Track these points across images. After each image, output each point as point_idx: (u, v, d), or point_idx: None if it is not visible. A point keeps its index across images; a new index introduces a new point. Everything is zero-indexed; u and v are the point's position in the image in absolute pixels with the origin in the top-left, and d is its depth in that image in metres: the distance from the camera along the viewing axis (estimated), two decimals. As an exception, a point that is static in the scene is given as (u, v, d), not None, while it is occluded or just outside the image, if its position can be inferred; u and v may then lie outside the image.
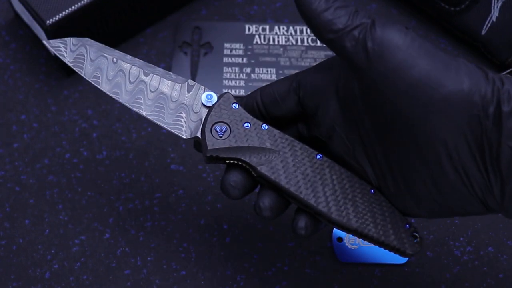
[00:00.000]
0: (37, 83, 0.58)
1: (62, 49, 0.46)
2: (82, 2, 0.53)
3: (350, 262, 0.51)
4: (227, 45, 0.60)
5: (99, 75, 0.45)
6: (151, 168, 0.54)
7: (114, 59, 0.45)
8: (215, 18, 0.61)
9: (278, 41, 0.60)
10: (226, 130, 0.43)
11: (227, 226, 0.52)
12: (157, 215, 0.52)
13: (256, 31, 0.61)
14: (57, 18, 0.53)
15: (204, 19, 0.61)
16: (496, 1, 0.56)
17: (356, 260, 0.51)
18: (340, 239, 0.51)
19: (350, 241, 0.51)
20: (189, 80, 0.45)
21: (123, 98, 0.45)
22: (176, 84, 0.45)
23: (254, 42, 0.60)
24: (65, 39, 0.46)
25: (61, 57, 0.45)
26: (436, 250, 0.51)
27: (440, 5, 0.58)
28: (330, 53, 0.59)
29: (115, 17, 0.57)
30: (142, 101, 0.44)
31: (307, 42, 0.60)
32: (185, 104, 0.44)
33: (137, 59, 0.46)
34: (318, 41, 0.60)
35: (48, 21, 0.52)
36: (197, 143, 0.45)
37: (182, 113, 0.44)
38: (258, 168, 0.42)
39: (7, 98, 0.57)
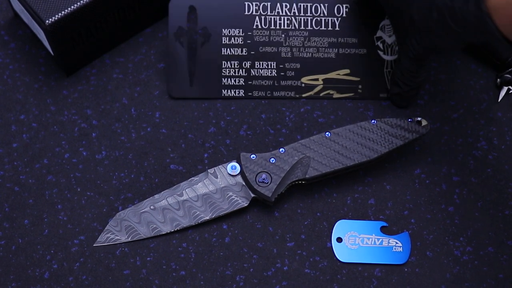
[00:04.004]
0: (36, 83, 0.58)
1: (114, 236, 0.51)
2: (82, 2, 0.53)
3: (350, 262, 0.50)
4: (225, 31, 0.56)
5: (154, 225, 0.51)
6: (151, 168, 0.54)
7: (152, 207, 0.51)
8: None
9: (280, 24, 0.56)
10: (265, 175, 0.51)
11: (227, 226, 0.52)
12: (157, 215, 0.52)
13: (256, 11, 0.56)
14: (56, 18, 0.52)
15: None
16: (496, 1, 0.56)
17: (356, 260, 0.50)
18: (340, 239, 0.51)
19: (350, 241, 0.51)
20: (208, 170, 0.52)
21: (185, 223, 0.51)
22: (204, 181, 0.52)
23: (254, 26, 0.56)
24: (105, 229, 0.51)
25: (118, 242, 0.50)
26: (436, 250, 0.51)
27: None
28: (333, 39, 0.57)
29: (115, 17, 0.56)
30: (198, 212, 0.51)
31: (311, 25, 0.57)
32: (224, 186, 0.51)
33: (162, 192, 0.52)
34: (323, 25, 0.57)
35: (47, 21, 0.52)
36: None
37: (228, 193, 0.51)
38: (308, 176, 0.51)
39: (6, 98, 0.57)
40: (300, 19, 0.56)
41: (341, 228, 0.52)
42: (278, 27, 0.56)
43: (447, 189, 0.53)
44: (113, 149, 0.55)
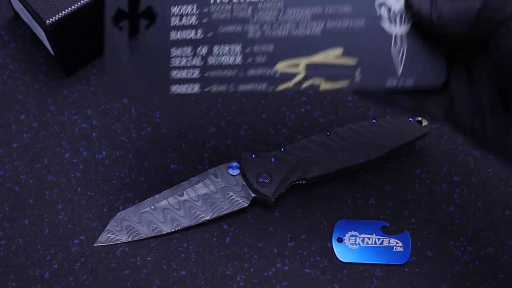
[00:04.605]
0: (37, 83, 0.58)
1: (114, 236, 0.51)
2: (82, 2, 0.53)
3: (350, 262, 0.51)
4: (175, 9, 0.43)
5: (155, 225, 0.51)
6: (151, 168, 0.54)
7: (152, 207, 0.51)
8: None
9: None
10: (265, 175, 0.51)
11: (227, 226, 0.52)
12: (157, 215, 0.52)
13: None
14: (56, 18, 0.52)
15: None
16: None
17: (356, 260, 0.50)
18: (340, 239, 0.51)
19: (351, 241, 0.51)
20: (208, 170, 0.52)
21: (186, 223, 0.51)
22: (205, 180, 0.52)
23: (212, 0, 0.43)
24: (106, 229, 0.51)
25: (119, 242, 0.50)
26: (436, 250, 0.51)
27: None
28: (318, 9, 0.42)
29: (115, 17, 0.56)
30: (199, 212, 0.51)
31: None
32: (224, 186, 0.52)
33: (162, 192, 0.52)
34: None
35: (47, 21, 0.52)
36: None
37: (229, 193, 0.51)
38: (308, 176, 0.51)
39: (7, 98, 0.57)
40: None
41: (341, 228, 0.52)
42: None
43: (447, 189, 0.53)
44: (114, 149, 0.55)
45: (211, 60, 0.43)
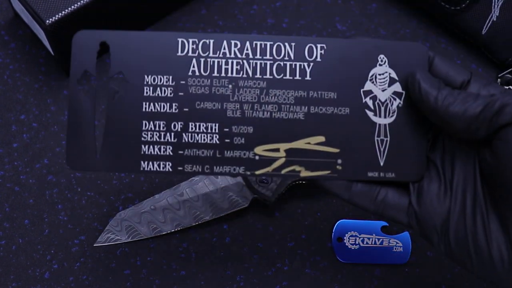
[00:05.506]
0: (37, 83, 0.58)
1: (114, 236, 0.51)
2: (82, 2, 0.53)
3: (350, 262, 0.51)
4: (148, 78, 0.40)
5: (155, 225, 0.51)
6: (151, 168, 0.54)
7: (152, 207, 0.51)
8: (215, 17, 0.61)
9: (226, 70, 0.40)
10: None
11: (227, 226, 0.52)
12: (157, 215, 0.52)
13: (193, 51, 0.40)
14: (56, 18, 0.53)
15: (203, 19, 0.61)
16: (496, 1, 0.56)
17: (356, 260, 0.50)
18: (340, 239, 0.51)
19: (351, 241, 0.51)
20: None
21: (186, 223, 0.51)
22: (205, 180, 0.52)
23: (190, 72, 0.40)
24: (106, 229, 0.51)
25: (119, 242, 0.51)
26: (436, 250, 0.51)
27: (441, 4, 0.58)
28: (302, 93, 0.40)
29: (115, 17, 0.56)
30: (199, 212, 0.51)
31: (270, 72, 0.40)
32: (224, 186, 0.51)
33: (162, 192, 0.52)
34: (287, 73, 0.40)
35: (47, 21, 0.52)
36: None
37: (229, 193, 0.51)
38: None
39: (7, 98, 0.57)
40: (256, 63, 0.40)
41: (341, 228, 0.52)
42: (223, 74, 0.40)
43: (447, 189, 0.53)
44: (114, 149, 0.55)
45: (186, 138, 0.40)
